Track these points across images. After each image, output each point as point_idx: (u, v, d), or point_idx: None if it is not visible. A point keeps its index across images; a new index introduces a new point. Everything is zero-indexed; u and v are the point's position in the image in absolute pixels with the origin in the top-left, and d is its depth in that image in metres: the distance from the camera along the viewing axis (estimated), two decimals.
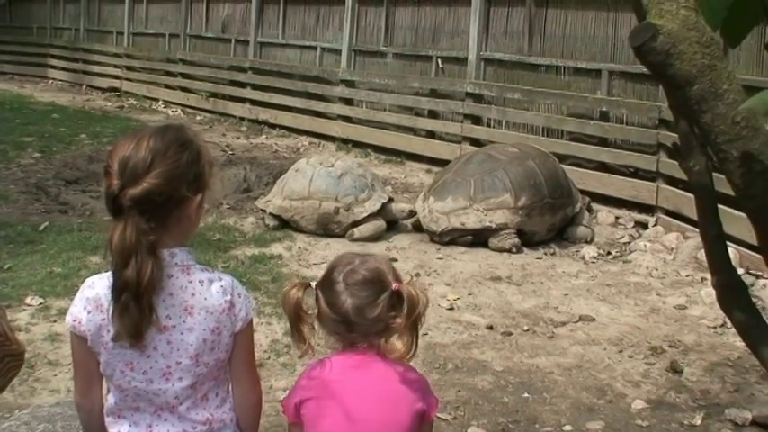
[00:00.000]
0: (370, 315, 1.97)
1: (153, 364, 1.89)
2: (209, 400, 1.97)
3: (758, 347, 2.21)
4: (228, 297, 1.92)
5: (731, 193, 2.09)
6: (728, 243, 2.65)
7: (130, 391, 1.91)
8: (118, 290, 1.80)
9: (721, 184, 2.52)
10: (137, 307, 1.80)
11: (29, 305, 4.99)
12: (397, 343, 2.00)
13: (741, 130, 1.84)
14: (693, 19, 1.87)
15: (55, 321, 4.75)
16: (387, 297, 1.98)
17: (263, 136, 12.36)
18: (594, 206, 7.74)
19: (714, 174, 2.37)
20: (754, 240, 2.40)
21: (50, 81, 19.29)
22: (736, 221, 4.82)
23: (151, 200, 1.80)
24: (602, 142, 8.26)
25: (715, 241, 2.28)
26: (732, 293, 2.28)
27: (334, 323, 2.01)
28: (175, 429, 1.94)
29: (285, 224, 7.01)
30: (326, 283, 2.03)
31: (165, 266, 1.84)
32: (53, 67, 19.50)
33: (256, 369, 2.10)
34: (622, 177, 7.90)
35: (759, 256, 5.67)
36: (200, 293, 1.89)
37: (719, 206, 2.43)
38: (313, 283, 2.06)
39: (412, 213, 7.16)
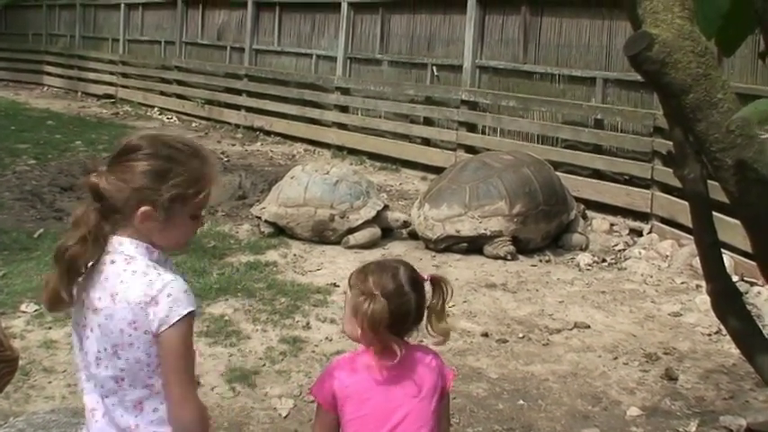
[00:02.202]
0: (423, 308, 2.21)
1: (89, 346, 1.93)
2: (144, 411, 1.93)
3: (753, 354, 2.21)
4: (153, 293, 1.86)
5: (726, 200, 2.10)
6: (723, 250, 2.67)
7: (82, 372, 1.98)
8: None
9: (716, 191, 2.53)
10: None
11: (24, 312, 4.98)
12: (443, 324, 2.22)
13: (735, 138, 1.85)
14: (689, 28, 1.88)
15: (50, 328, 4.74)
16: (425, 289, 2.22)
17: (259, 143, 12.37)
18: (589, 213, 7.76)
19: (709, 181, 2.38)
20: (748, 248, 2.41)
21: (46, 88, 19.28)
22: (730, 229, 4.83)
23: None
24: (597, 150, 8.28)
25: (710, 249, 2.29)
26: (727, 301, 2.29)
27: (395, 324, 2.16)
28: (98, 424, 1.97)
29: (280, 231, 7.00)
30: (392, 289, 2.17)
31: (110, 252, 1.92)
32: (48, 73, 19.49)
33: (190, 384, 1.95)
34: (617, 185, 7.92)
35: (754, 263, 5.68)
36: (127, 283, 1.89)
37: (714, 214, 2.44)
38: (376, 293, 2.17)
39: (406, 224, 7.15)
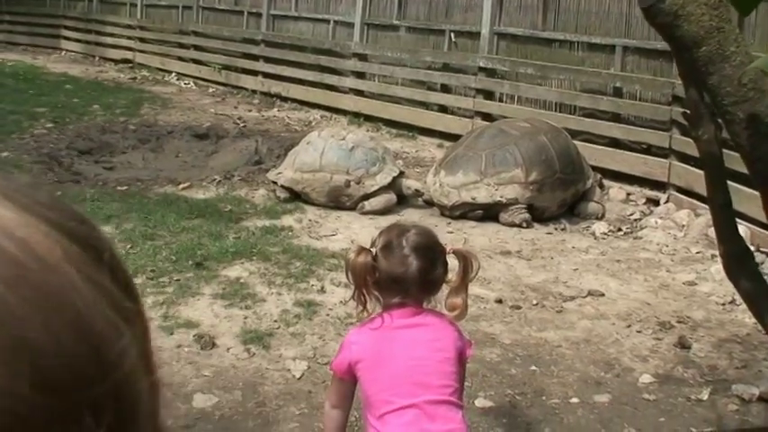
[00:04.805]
0: (431, 276, 2.15)
1: None
2: None
3: (765, 316, 2.21)
4: None
5: (742, 170, 2.08)
6: (739, 221, 2.64)
7: None
8: None
9: (732, 160, 2.51)
10: None
11: None
12: (457, 300, 2.20)
13: (748, 91, 1.84)
14: None
15: None
16: (443, 259, 2.18)
17: (275, 109, 12.35)
18: (606, 182, 7.71)
19: (725, 151, 2.35)
20: (764, 218, 2.39)
21: (63, 52, 19.27)
22: (746, 199, 4.80)
23: None
24: (615, 118, 8.21)
25: (722, 210, 2.27)
26: (739, 262, 2.28)
27: (393, 284, 2.14)
28: None
29: (296, 196, 7.01)
30: (388, 248, 2.14)
31: None
32: (66, 38, 19.48)
33: None
34: (635, 154, 7.86)
35: None
36: None
37: (730, 183, 2.42)
38: (373, 250, 2.15)
39: (418, 192, 7.10)
